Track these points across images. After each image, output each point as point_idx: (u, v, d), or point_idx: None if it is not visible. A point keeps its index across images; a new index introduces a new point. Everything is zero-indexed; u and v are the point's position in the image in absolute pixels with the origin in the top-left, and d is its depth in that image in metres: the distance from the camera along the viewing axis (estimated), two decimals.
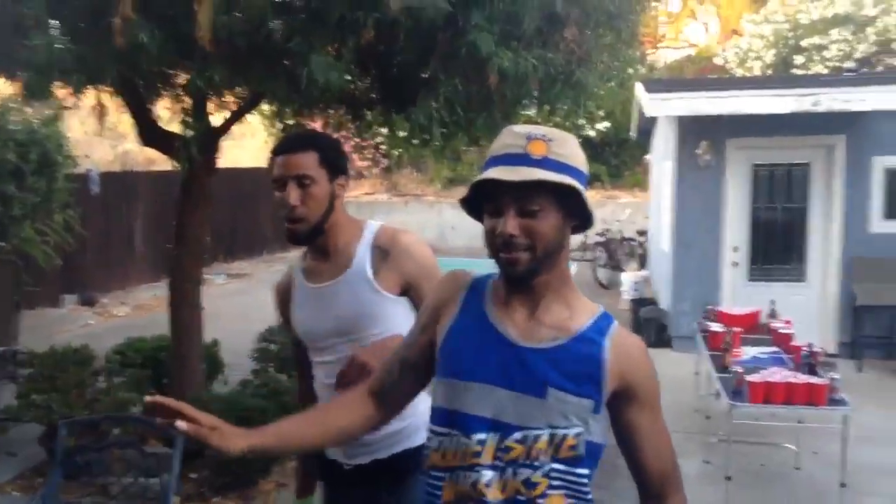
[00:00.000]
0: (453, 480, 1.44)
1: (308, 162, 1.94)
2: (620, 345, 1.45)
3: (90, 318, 9.72)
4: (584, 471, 1.43)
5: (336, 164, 1.99)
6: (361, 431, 1.61)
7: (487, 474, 1.40)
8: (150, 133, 4.82)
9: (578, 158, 1.44)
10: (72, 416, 3.80)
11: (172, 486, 2.82)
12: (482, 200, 1.43)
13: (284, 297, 2.15)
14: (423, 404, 1.76)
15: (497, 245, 1.40)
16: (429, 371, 1.56)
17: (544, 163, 1.38)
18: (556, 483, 1.40)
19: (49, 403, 4.21)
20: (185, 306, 4.80)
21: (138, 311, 10.18)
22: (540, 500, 1.39)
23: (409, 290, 1.99)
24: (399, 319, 1.98)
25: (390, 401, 1.61)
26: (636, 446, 1.46)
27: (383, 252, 1.98)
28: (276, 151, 1.99)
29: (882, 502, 4.39)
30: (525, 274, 1.40)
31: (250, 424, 4.35)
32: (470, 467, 1.42)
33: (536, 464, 1.39)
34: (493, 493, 1.40)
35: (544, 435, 1.39)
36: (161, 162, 13.39)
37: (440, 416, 1.49)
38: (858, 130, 7.40)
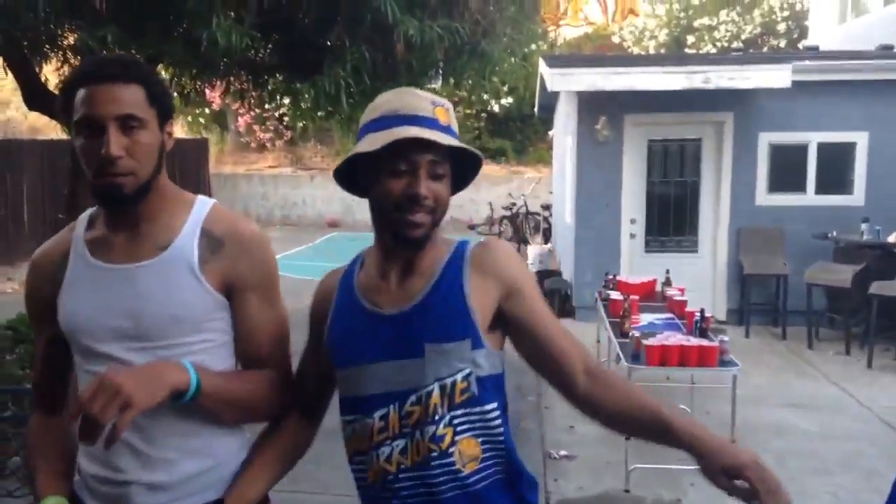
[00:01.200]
0: (369, 462, 1.47)
1: (135, 98, 1.44)
2: (477, 261, 1.47)
3: None
4: (490, 406, 1.45)
5: (166, 106, 1.52)
6: (305, 449, 1.64)
7: (399, 444, 1.43)
8: (37, 96, 4.56)
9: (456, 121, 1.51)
10: None
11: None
12: (365, 165, 1.43)
13: (49, 272, 1.55)
14: (226, 448, 1.55)
15: (402, 204, 1.40)
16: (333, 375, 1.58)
17: (448, 130, 1.43)
18: (461, 428, 1.43)
19: None
20: None
21: None
22: (451, 449, 1.42)
23: (231, 295, 1.53)
24: (223, 328, 1.54)
25: (315, 410, 1.63)
26: (538, 337, 1.46)
27: (215, 241, 1.51)
28: (85, 78, 1.44)
29: (769, 457, 4.69)
30: (424, 236, 1.43)
31: None
32: (380, 444, 1.45)
33: (437, 417, 1.41)
34: (409, 460, 1.43)
35: (434, 389, 1.41)
36: (47, 130, 12.72)
37: (343, 404, 1.52)
38: (746, 108, 7.79)
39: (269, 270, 1.57)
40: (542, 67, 8.53)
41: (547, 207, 12.85)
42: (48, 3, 3.37)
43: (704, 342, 4.32)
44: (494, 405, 1.46)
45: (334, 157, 18.15)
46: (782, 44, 17.40)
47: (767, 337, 7.48)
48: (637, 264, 7.83)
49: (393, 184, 1.40)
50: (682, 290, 5.47)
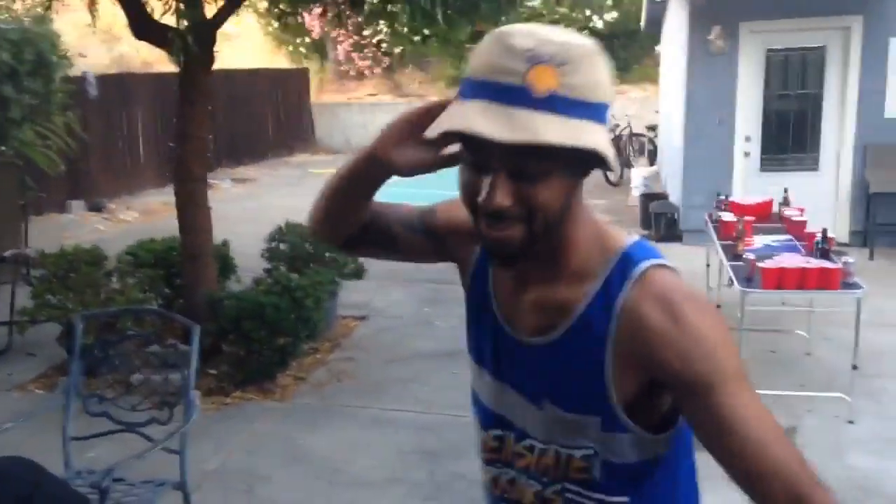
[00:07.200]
0: (490, 473, 1.25)
1: None
2: (633, 325, 1.02)
3: (98, 223, 9.72)
4: (617, 499, 1.11)
5: None
6: (343, 227, 1.27)
7: (508, 473, 1.20)
8: (143, 26, 4.65)
9: (600, 85, 0.98)
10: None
11: (192, 380, 2.85)
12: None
13: None
14: None
15: (478, 212, 1.01)
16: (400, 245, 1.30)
17: (550, 103, 0.93)
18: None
19: (65, 303, 4.23)
20: (192, 205, 4.75)
21: (146, 215, 10.17)
22: None
23: None
24: None
25: (355, 237, 1.28)
26: (725, 449, 0.98)
27: None
28: None
29: (892, 383, 4.46)
30: (517, 253, 1.02)
31: (265, 320, 4.35)
32: (491, 462, 1.23)
33: (545, 480, 1.14)
34: (515, 494, 1.20)
35: (549, 450, 1.13)
36: (158, 64, 13.12)
37: (473, 398, 1.28)
38: (876, 10, 7.12)
39: None
40: None
41: (652, 128, 12.34)
42: None
43: (826, 264, 4.08)
44: (625, 500, 1.11)
45: (431, 83, 17.97)
46: None
47: (894, 260, 7.01)
48: (751, 184, 7.43)
49: (467, 176, 1.02)
50: (801, 211, 5.16)
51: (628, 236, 1.09)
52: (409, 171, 1.09)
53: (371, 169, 1.14)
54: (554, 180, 0.97)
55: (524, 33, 0.95)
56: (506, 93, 0.93)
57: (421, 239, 1.28)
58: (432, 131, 0.99)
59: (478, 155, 0.97)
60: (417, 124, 1.05)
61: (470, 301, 1.23)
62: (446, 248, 1.27)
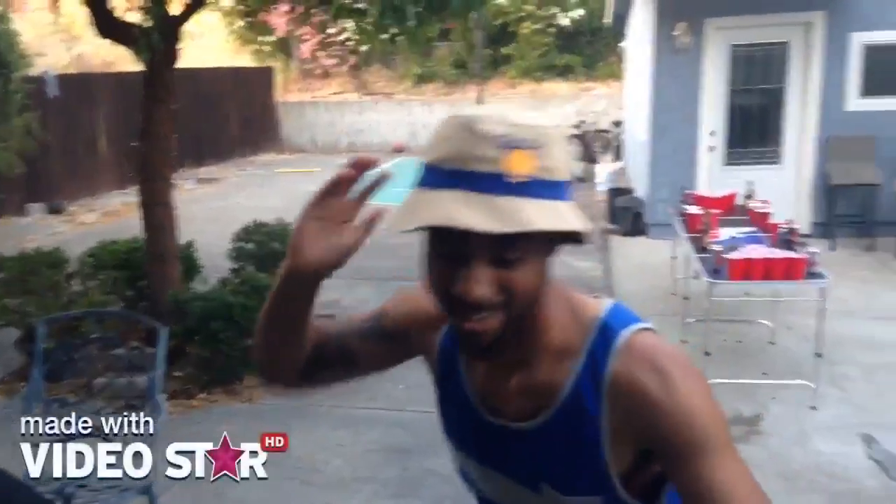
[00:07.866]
0: None
1: None
2: (621, 398, 1.00)
3: (59, 226, 9.54)
4: None
5: None
6: (290, 360, 1.17)
7: None
8: (108, 24, 4.57)
9: (567, 165, 0.99)
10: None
11: (158, 383, 2.80)
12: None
13: None
14: None
15: (451, 305, 0.98)
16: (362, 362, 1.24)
17: (530, 187, 0.92)
18: None
19: (24, 307, 4.13)
20: (156, 205, 4.68)
21: (108, 217, 10.00)
22: None
23: None
24: None
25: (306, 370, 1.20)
26: None
27: None
28: None
29: (855, 370, 4.54)
30: (494, 344, 0.99)
31: (233, 321, 4.29)
32: None
33: None
34: None
35: None
36: (119, 63, 12.92)
37: (462, 476, 1.23)
38: (838, 6, 7.24)
39: None
40: None
41: (617, 124, 12.44)
42: None
43: (792, 254, 4.14)
44: None
45: (399, 80, 17.93)
46: None
47: (854, 250, 7.14)
48: (716, 178, 7.51)
49: (439, 268, 0.97)
50: (766, 203, 5.23)
51: (600, 302, 1.07)
52: (336, 263, 1.02)
53: (297, 282, 1.05)
54: (530, 263, 0.96)
55: (494, 120, 0.93)
56: (483, 181, 0.91)
57: (381, 345, 1.21)
58: (407, 223, 0.93)
59: (453, 246, 0.94)
60: (321, 209, 1.00)
61: (440, 387, 1.18)
62: (411, 345, 1.21)
